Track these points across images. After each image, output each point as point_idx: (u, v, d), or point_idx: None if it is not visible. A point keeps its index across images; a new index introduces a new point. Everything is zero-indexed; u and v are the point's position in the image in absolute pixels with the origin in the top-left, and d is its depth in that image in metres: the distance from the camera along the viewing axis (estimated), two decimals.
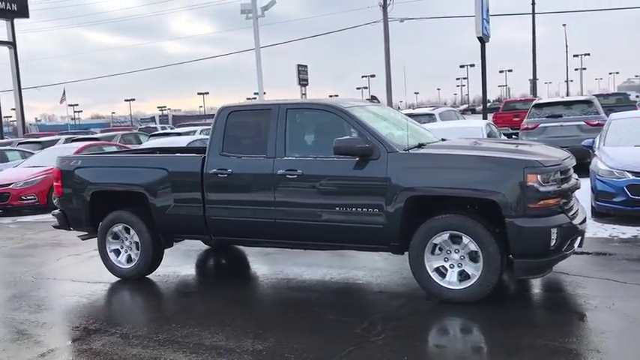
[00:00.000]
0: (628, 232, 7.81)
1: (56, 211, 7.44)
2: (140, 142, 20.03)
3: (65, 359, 4.78)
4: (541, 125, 13.88)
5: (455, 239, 5.43)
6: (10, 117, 63.11)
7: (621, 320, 4.87)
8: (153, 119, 79.60)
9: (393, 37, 33.15)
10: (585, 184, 7.44)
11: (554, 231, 5.14)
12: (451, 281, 5.45)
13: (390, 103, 33.43)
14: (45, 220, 12.32)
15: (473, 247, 5.33)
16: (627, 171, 8.21)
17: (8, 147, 19.66)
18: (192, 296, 6.45)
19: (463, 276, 5.42)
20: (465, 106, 77.08)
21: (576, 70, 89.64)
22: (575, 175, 5.84)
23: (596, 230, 7.87)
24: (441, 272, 5.50)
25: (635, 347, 4.43)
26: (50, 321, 5.78)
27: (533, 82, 47.71)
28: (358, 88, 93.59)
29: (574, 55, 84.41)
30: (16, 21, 36.91)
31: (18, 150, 18.28)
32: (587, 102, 14.43)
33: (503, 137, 14.94)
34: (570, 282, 5.91)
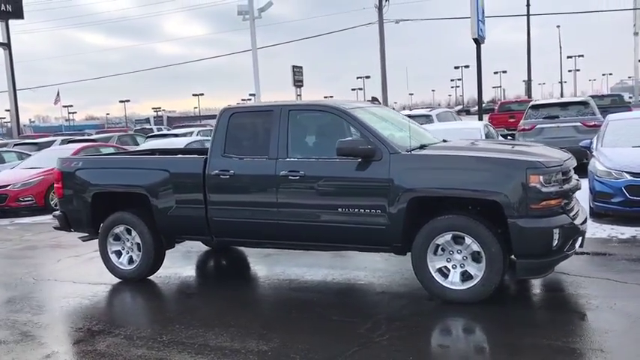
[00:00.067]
0: (627, 232, 7.86)
1: (57, 213, 7.43)
2: (137, 144, 20.02)
3: None
4: (538, 126, 13.95)
5: (457, 240, 5.45)
6: (4, 118, 62.90)
7: (623, 320, 4.91)
8: (147, 120, 79.43)
9: (387, 39, 33.23)
10: (583, 184, 7.48)
11: (556, 231, 5.18)
12: (454, 282, 5.48)
13: (385, 105, 33.48)
14: (43, 222, 12.31)
15: (475, 247, 5.36)
16: (625, 172, 8.27)
17: (5, 148, 19.61)
18: (195, 297, 6.46)
19: (466, 276, 5.45)
20: (459, 107, 77.27)
21: (570, 71, 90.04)
22: (575, 176, 5.88)
23: (594, 231, 7.92)
24: (444, 273, 5.53)
25: (639, 346, 4.47)
26: (53, 322, 5.78)
27: (528, 83, 47.91)
28: (353, 89, 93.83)
29: (568, 57, 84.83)
30: (11, 22, 36.80)
31: (14, 151, 18.22)
32: (584, 103, 14.50)
33: (501, 138, 14.98)
34: (571, 282, 5.95)
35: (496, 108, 30.82)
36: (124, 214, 6.93)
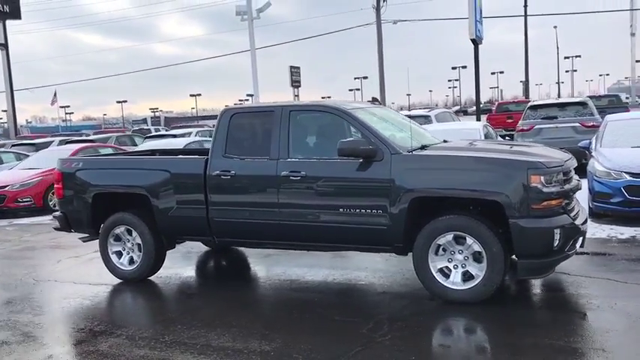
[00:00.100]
0: (626, 232, 7.89)
1: (57, 213, 7.42)
2: (135, 144, 20.00)
3: None
4: (536, 127, 13.98)
5: (459, 240, 5.47)
6: (1, 119, 62.76)
7: (624, 319, 4.92)
8: (144, 121, 79.31)
9: (385, 39, 33.24)
10: (582, 185, 7.50)
11: (557, 231, 5.20)
12: (455, 282, 5.49)
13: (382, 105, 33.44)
14: (41, 223, 12.31)
15: (477, 247, 5.38)
16: (625, 172, 8.29)
17: (2, 149, 19.57)
18: (196, 298, 6.46)
19: (467, 276, 5.46)
20: (456, 108, 77.36)
21: (567, 71, 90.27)
22: (576, 176, 5.90)
23: (594, 231, 7.94)
24: (445, 273, 5.54)
25: None
26: (54, 323, 5.78)
27: (526, 83, 47.98)
28: (350, 90, 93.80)
29: (565, 57, 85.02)
30: (8, 22, 36.75)
31: (12, 152, 18.19)
32: (582, 104, 14.55)
33: (500, 139, 15.00)
34: (572, 282, 5.97)
35: (494, 108, 30.85)
36: (125, 214, 6.93)
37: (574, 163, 5.90)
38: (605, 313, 5.09)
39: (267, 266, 7.41)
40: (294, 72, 33.90)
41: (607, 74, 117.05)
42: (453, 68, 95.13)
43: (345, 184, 5.88)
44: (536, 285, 6.02)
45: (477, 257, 5.42)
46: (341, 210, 5.83)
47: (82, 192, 7.04)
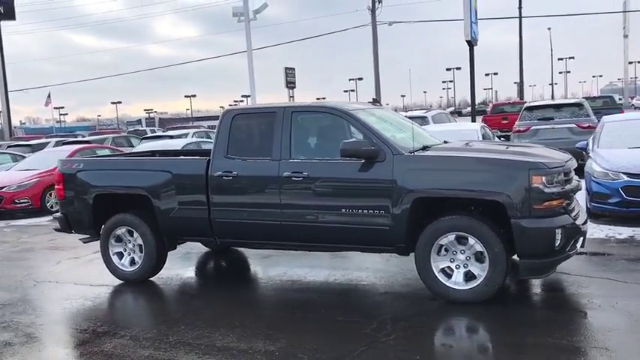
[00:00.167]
0: (624, 232, 7.95)
1: (58, 214, 7.42)
2: (132, 145, 19.98)
3: None
4: (533, 128, 14.06)
5: (461, 240, 5.50)
6: None
7: (626, 319, 4.97)
8: (139, 122, 79.22)
9: (380, 41, 33.30)
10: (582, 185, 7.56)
11: (558, 231, 5.24)
12: (457, 282, 5.52)
13: None
14: (39, 224, 12.28)
15: (479, 247, 5.41)
16: (622, 172, 8.36)
17: None
18: (198, 298, 6.47)
19: (469, 276, 5.50)
20: (451, 109, 77.53)
21: (560, 73, 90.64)
22: (576, 177, 5.95)
23: (592, 231, 7.98)
24: (447, 273, 5.57)
25: None
26: (57, 324, 5.78)
27: (520, 85, 48.16)
28: (345, 91, 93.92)
29: (559, 59, 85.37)
30: (2, 23, 36.62)
31: (9, 153, 18.13)
32: (578, 105, 14.63)
33: (497, 139, 15.08)
34: (572, 282, 6.02)
35: (489, 110, 30.95)
36: (126, 215, 6.93)
37: (574, 163, 5.95)
38: (607, 313, 5.13)
39: (268, 267, 7.43)
40: (289, 73, 33.86)
41: (600, 76, 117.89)
42: (448, 70, 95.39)
43: (347, 184, 5.90)
44: (537, 285, 6.06)
45: (478, 257, 5.45)
46: (343, 210, 5.85)
47: (83, 193, 7.04)
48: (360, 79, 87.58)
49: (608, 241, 7.65)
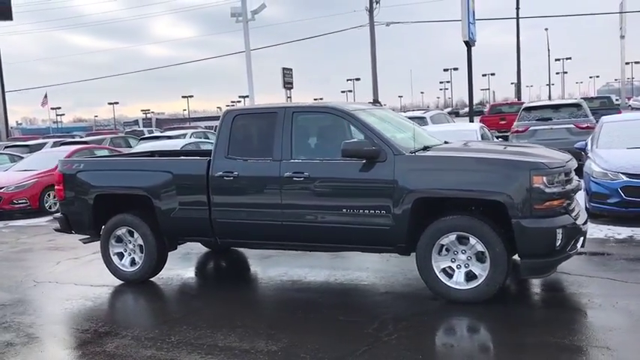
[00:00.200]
0: (623, 232, 7.98)
1: (58, 215, 7.41)
2: (130, 146, 19.95)
3: None
4: (531, 128, 14.09)
5: (462, 240, 5.52)
6: None
7: (627, 318, 4.99)
8: (136, 122, 79.09)
9: (377, 41, 33.32)
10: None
11: (559, 231, 5.26)
12: (458, 281, 5.54)
13: None
14: (38, 224, 12.27)
15: (480, 247, 5.42)
16: (621, 173, 8.39)
17: None
18: (199, 298, 6.47)
19: (470, 276, 5.51)
20: (448, 110, 77.60)
21: (557, 73, 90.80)
22: (576, 177, 5.97)
23: (592, 231, 7.98)
24: (448, 273, 5.59)
25: None
26: (58, 324, 5.78)
27: (518, 85, 48.24)
28: (343, 92, 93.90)
29: (556, 59, 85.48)
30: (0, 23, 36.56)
31: (6, 153, 18.10)
32: (577, 105, 14.67)
33: (496, 140, 15.12)
34: (572, 281, 6.04)
35: (487, 110, 31.01)
36: (127, 215, 6.93)
37: (574, 164, 5.97)
38: (608, 312, 5.15)
39: (268, 267, 7.43)
40: (287, 74, 33.81)
41: (597, 76, 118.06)
42: (445, 70, 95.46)
43: (349, 184, 5.91)
44: (538, 285, 6.08)
45: (479, 257, 5.47)
46: (344, 210, 5.86)
47: (84, 193, 7.04)
48: (358, 79, 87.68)
49: (608, 241, 7.68)
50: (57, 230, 7.51)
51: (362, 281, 6.58)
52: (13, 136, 40.65)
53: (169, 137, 19.08)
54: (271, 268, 7.37)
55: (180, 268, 7.63)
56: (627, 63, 64.54)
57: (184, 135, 20.13)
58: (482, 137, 11.07)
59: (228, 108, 6.69)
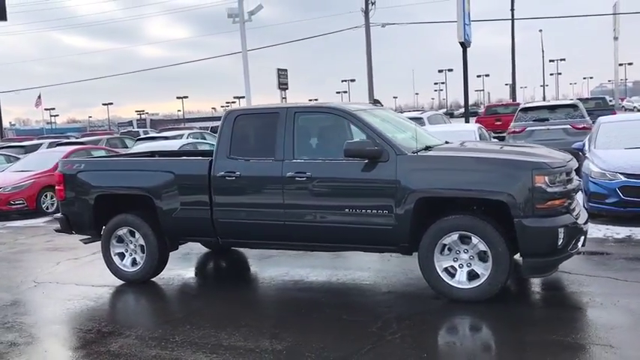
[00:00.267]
0: (622, 232, 8.03)
1: (58, 215, 7.40)
2: (126, 147, 19.92)
3: None
4: (528, 129, 14.14)
5: (464, 239, 5.54)
6: None
7: (629, 316, 5.03)
8: (130, 123, 78.84)
9: (372, 42, 33.31)
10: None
11: (560, 230, 5.29)
12: (461, 281, 5.56)
13: None
14: (35, 225, 12.24)
15: (482, 247, 5.45)
16: (619, 173, 8.45)
17: None
18: (201, 298, 6.47)
19: (472, 275, 5.54)
20: (443, 111, 77.75)
21: (552, 74, 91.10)
22: (577, 177, 6.01)
23: (590, 231, 7.94)
24: (450, 272, 5.61)
25: None
26: (61, 324, 5.77)
27: (513, 86, 48.42)
28: (338, 93, 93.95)
29: (550, 60, 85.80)
30: None
31: (2, 154, 18.04)
32: (573, 106, 14.75)
33: (493, 140, 15.17)
34: (573, 280, 6.07)
35: (482, 111, 31.11)
36: (128, 216, 6.92)
37: (575, 163, 6.01)
38: (609, 311, 5.18)
39: (269, 267, 7.44)
40: (282, 74, 33.82)
41: (591, 77, 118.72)
42: (440, 71, 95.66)
43: (351, 184, 5.93)
44: (539, 284, 6.12)
45: (482, 256, 5.50)
46: (346, 210, 5.88)
47: (84, 194, 7.03)
48: (353, 80, 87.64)
49: (607, 240, 7.73)
50: (57, 231, 7.49)
51: (364, 281, 6.60)
52: (7, 137, 40.48)
53: (166, 138, 19.04)
54: (272, 268, 7.38)
55: (181, 268, 7.63)
56: (621, 64, 64.92)
57: (181, 136, 20.10)
58: (481, 137, 11.11)
59: (230, 108, 6.71)
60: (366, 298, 6.06)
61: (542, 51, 73.21)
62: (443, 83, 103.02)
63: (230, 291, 6.61)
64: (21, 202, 13.32)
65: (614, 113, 22.03)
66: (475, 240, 5.47)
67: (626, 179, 8.36)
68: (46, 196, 13.62)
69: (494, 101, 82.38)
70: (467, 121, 23.57)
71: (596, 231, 8.13)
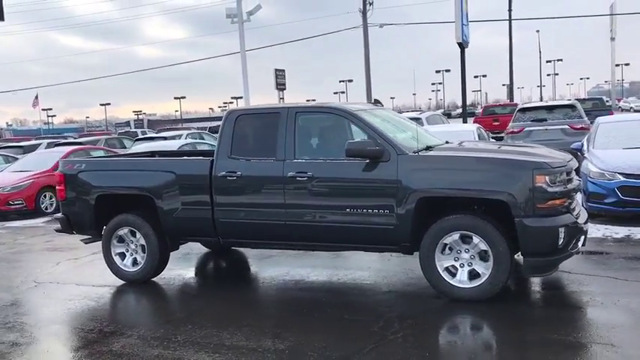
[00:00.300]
0: (620, 232, 8.06)
1: (59, 215, 7.39)
2: (124, 147, 19.92)
3: None
4: (526, 129, 14.19)
5: (465, 239, 5.56)
6: None
7: (629, 315, 5.05)
8: (128, 124, 78.80)
9: (370, 42, 33.32)
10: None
11: (561, 230, 5.31)
12: (461, 280, 5.58)
13: None
14: (34, 225, 12.23)
15: (483, 246, 5.47)
16: (618, 173, 8.48)
17: None
18: (202, 298, 6.48)
19: (473, 275, 5.56)
20: (440, 111, 77.82)
21: (549, 75, 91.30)
22: (576, 177, 6.03)
23: (589, 231, 7.92)
24: (451, 271, 5.63)
25: None
26: (62, 324, 5.77)
27: (510, 87, 48.50)
28: (335, 93, 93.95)
29: (547, 61, 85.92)
30: None
31: (1, 155, 18.02)
32: (571, 106, 14.80)
33: (492, 140, 15.21)
34: (573, 280, 6.10)
35: (480, 111, 31.17)
36: (129, 216, 6.93)
37: (575, 163, 6.04)
38: (610, 310, 5.21)
39: (270, 267, 7.45)
40: (279, 75, 33.76)
41: (587, 78, 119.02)
42: (437, 72, 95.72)
43: (352, 184, 5.95)
44: (540, 283, 6.14)
45: (483, 256, 5.51)
46: (348, 210, 5.90)
47: (85, 194, 7.03)
48: (350, 80, 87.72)
49: (606, 240, 7.75)
50: (58, 231, 7.49)
51: (364, 280, 6.61)
52: (5, 138, 40.41)
53: (165, 138, 19.04)
54: (273, 268, 7.39)
55: (181, 268, 7.64)
56: (617, 65, 64.96)
57: (180, 136, 20.09)
58: (479, 138, 11.15)
59: (231, 108, 6.70)
60: (366, 298, 6.07)
61: (540, 51, 73.34)
62: (440, 84, 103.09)
63: (231, 291, 6.61)
64: (20, 202, 13.31)
65: (612, 113, 22.10)
66: (476, 239, 5.49)
67: (624, 179, 8.39)
68: (44, 196, 13.61)
69: (491, 102, 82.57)
70: (464, 122, 23.61)
71: (595, 231, 8.16)
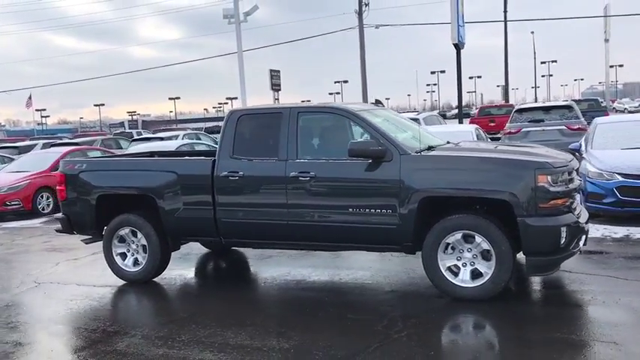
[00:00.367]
0: (619, 231, 8.11)
1: (59, 215, 7.38)
2: (121, 147, 19.87)
3: None
4: (523, 130, 14.27)
5: (467, 238, 5.58)
6: None
7: (631, 314, 5.08)
8: (122, 124, 78.57)
9: (366, 43, 33.39)
10: None
11: (563, 229, 5.35)
12: (464, 279, 5.60)
13: None
14: (32, 226, 12.19)
15: (485, 246, 5.50)
16: (616, 173, 8.53)
17: None
18: (205, 298, 6.48)
19: (475, 274, 5.58)
20: (436, 112, 77.94)
21: (543, 76, 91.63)
22: (577, 177, 6.07)
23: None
24: (454, 271, 5.65)
25: None
26: (65, 324, 5.76)
27: (506, 88, 48.64)
28: (330, 94, 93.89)
29: (542, 62, 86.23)
30: None
31: None
32: (568, 107, 14.89)
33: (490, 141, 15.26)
34: (574, 279, 6.13)
35: (476, 112, 31.26)
36: (130, 216, 6.92)
37: (576, 163, 6.07)
38: (611, 309, 5.24)
39: (271, 267, 7.45)
40: (274, 75, 33.70)
41: (581, 79, 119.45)
42: (432, 73, 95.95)
43: (355, 184, 5.96)
44: (541, 282, 6.17)
45: (485, 255, 5.54)
46: (350, 210, 5.91)
47: (86, 194, 7.02)
48: (346, 81, 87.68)
49: (605, 240, 7.80)
50: (58, 231, 7.48)
51: (366, 280, 6.63)
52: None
53: (161, 139, 19.02)
54: (273, 268, 7.39)
55: (182, 268, 7.63)
56: (611, 66, 65.30)
57: (176, 136, 20.07)
58: (478, 138, 11.18)
59: (233, 108, 6.72)
60: (369, 298, 6.08)
61: (534, 53, 73.56)
62: (435, 85, 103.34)
63: (233, 291, 6.62)
64: (17, 202, 13.27)
65: (607, 114, 22.20)
66: (479, 239, 5.52)
67: (623, 179, 8.44)
68: (42, 196, 13.58)
69: (486, 102, 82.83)
70: (460, 122, 23.67)
71: (595, 231, 8.18)
